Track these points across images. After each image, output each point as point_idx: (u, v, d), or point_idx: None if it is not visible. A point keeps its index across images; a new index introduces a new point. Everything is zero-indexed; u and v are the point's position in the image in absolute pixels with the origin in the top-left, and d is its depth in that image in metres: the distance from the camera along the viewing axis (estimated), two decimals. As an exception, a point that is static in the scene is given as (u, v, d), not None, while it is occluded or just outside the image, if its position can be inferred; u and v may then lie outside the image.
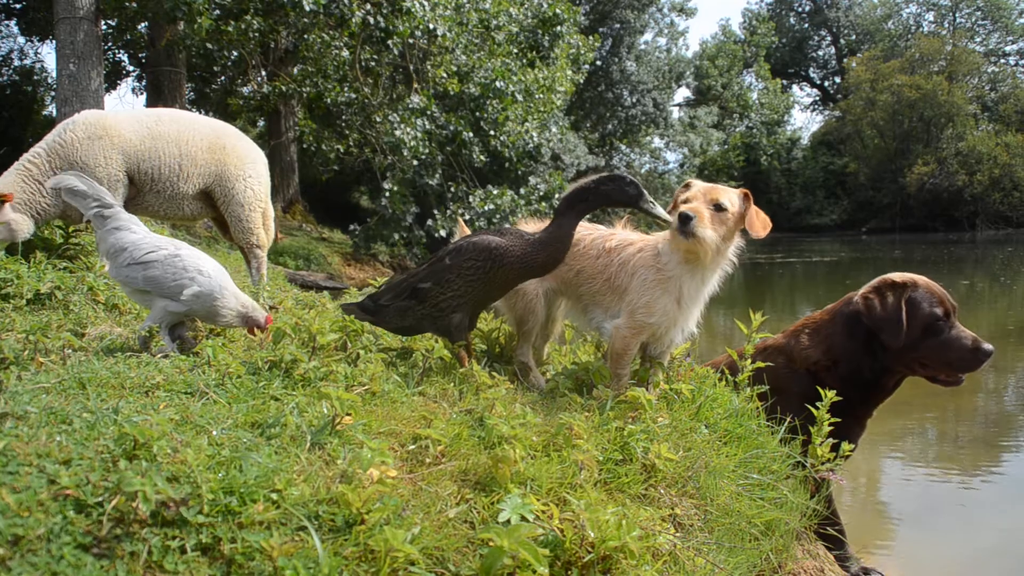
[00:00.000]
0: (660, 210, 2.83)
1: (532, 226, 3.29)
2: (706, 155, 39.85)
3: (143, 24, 16.72)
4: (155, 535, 1.48)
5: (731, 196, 2.96)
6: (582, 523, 1.76)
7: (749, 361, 3.30)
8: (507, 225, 3.40)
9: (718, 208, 2.90)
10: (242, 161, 4.98)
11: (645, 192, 2.77)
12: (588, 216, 2.94)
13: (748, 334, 3.38)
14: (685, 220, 2.82)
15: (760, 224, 2.98)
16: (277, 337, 2.77)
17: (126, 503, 1.50)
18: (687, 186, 3.03)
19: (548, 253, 2.78)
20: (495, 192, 15.63)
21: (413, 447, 2.10)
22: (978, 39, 45.80)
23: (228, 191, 4.96)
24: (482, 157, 16.17)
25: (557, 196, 16.25)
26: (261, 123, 23.50)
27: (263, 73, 16.82)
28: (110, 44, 19.92)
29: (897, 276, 3.27)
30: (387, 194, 15.67)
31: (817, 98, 57.14)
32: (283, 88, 15.52)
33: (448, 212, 15.53)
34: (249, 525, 1.56)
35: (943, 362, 3.17)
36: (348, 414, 2.08)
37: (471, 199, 15.58)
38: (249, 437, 1.90)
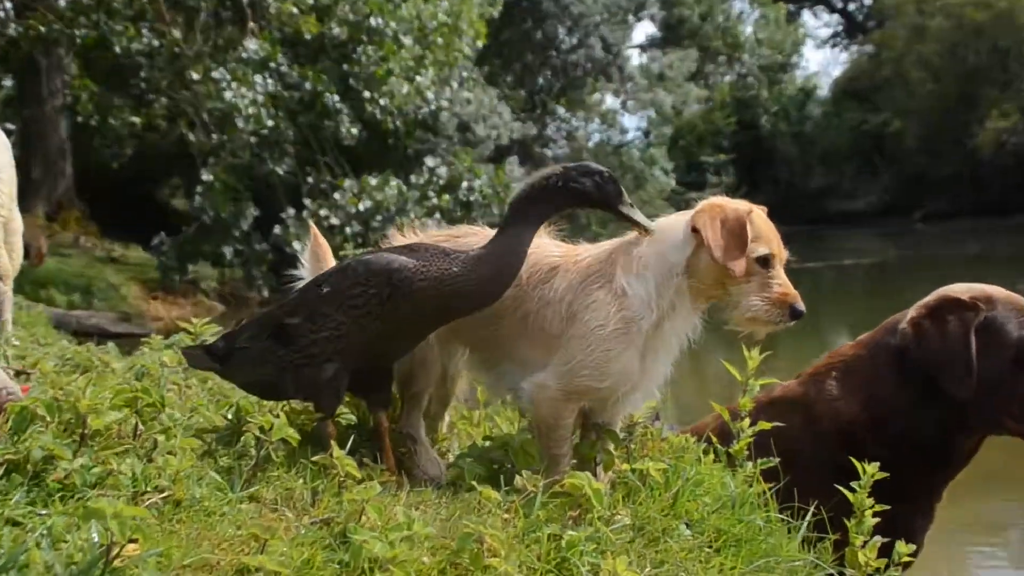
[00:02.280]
0: (641, 216, 3.01)
1: (441, 235, 3.44)
2: (681, 118, 40.57)
3: None
4: None
5: None
6: None
7: (748, 422, 3.37)
8: (395, 231, 3.60)
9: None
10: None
11: (622, 189, 2.97)
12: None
13: (743, 381, 3.48)
14: (799, 315, 3.01)
15: None
16: (19, 423, 2.66)
17: None
18: (747, 217, 3.08)
19: (488, 273, 2.88)
20: (374, 182, 15.55)
21: (238, 586, 2.07)
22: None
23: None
24: (353, 131, 16.12)
25: (466, 184, 16.28)
26: (8, 83, 22.87)
27: (7, 6, 16.41)
28: None
29: (962, 289, 3.36)
30: (201, 188, 15.45)
31: (839, 29, 58.56)
32: (42, 30, 15.17)
33: (306, 213, 15.35)
34: None
35: (1049, 412, 3.25)
36: (134, 540, 2.00)
37: (337, 194, 15.47)
38: (-38, 592, 1.83)
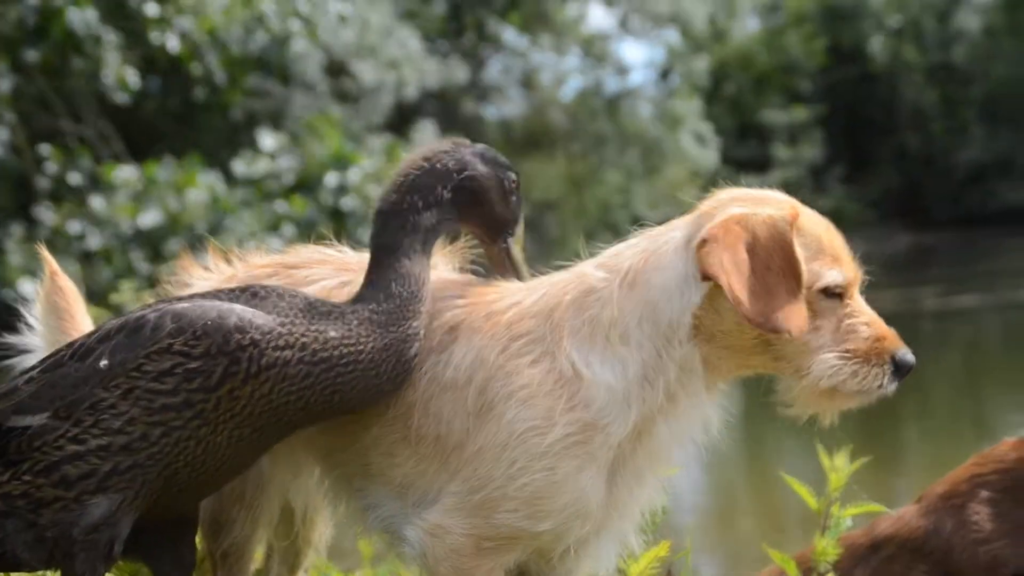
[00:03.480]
0: (517, 252, 3.09)
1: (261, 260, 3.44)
2: (725, 44, 38.50)
3: None
4: None
5: None
6: None
7: None
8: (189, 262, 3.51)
9: None
10: None
11: (521, 215, 3.05)
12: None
13: (820, 509, 3.49)
14: (907, 371, 2.87)
15: None
16: None
17: None
18: (791, 226, 2.90)
19: (389, 340, 2.79)
20: (165, 175, 13.09)
21: None
22: None
23: None
24: (129, 77, 13.90)
25: (333, 179, 14.11)
26: None
27: None
28: None
29: None
30: None
31: None
32: None
33: (43, 229, 13.53)
34: None
35: None
36: None
37: (94, 198, 13.14)
38: None
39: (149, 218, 13.20)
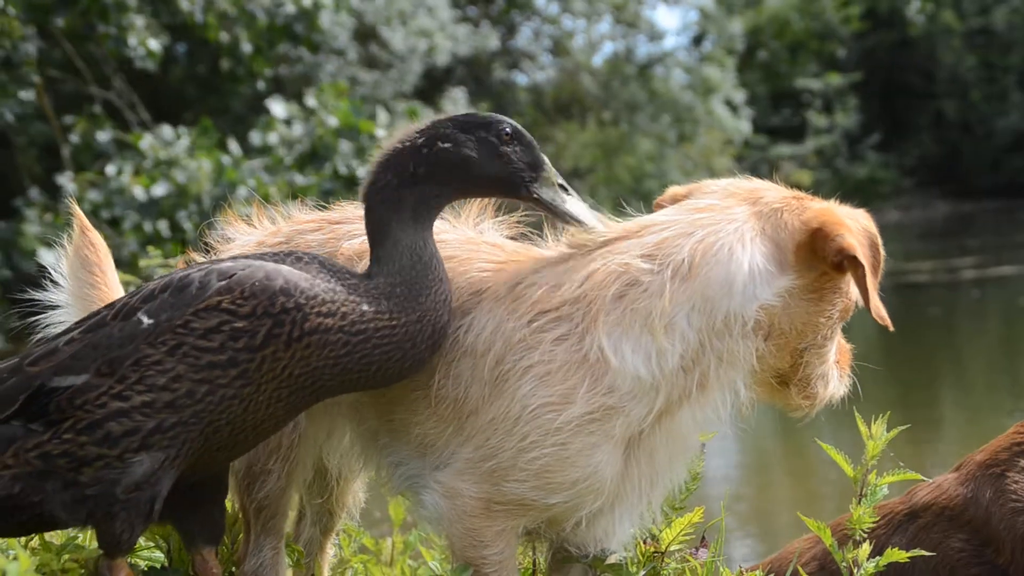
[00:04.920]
0: (581, 207, 2.98)
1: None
2: (761, 10, 37.74)
3: None
4: None
5: None
6: None
7: (867, 550, 3.20)
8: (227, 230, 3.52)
9: None
10: None
11: (543, 157, 2.94)
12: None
13: (856, 477, 3.31)
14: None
15: None
16: None
17: None
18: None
19: (415, 318, 2.81)
20: (181, 137, 12.53)
21: None
22: None
23: None
24: (151, 45, 13.68)
25: (369, 146, 13.82)
26: None
27: None
28: None
29: None
30: None
31: None
32: None
33: (63, 198, 13.25)
34: None
35: None
36: None
37: (110, 166, 12.68)
38: None
39: (159, 189, 12.93)
